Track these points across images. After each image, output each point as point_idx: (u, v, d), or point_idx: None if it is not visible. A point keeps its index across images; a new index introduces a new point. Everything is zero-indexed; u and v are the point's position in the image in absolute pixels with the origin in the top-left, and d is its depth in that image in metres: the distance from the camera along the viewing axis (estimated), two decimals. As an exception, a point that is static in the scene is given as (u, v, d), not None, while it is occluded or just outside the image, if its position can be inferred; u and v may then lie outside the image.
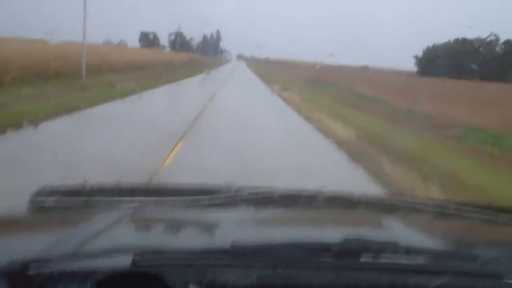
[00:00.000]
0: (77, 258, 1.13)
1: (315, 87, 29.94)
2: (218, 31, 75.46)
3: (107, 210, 1.57)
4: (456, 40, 50.36)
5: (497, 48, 45.23)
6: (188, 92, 23.73)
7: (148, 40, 61.45)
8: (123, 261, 1.08)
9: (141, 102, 16.45)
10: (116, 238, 1.36)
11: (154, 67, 33.72)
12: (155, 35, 61.81)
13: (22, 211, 1.67)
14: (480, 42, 47.87)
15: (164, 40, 62.18)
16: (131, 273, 1.04)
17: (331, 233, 1.58)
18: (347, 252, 1.17)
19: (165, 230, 1.61)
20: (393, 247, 1.19)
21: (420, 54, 50.57)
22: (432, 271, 1.18)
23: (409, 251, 1.20)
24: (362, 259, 1.17)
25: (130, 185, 1.81)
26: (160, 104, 17.85)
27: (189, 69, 36.92)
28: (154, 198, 1.72)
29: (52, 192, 1.68)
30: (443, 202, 1.86)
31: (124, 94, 17.07)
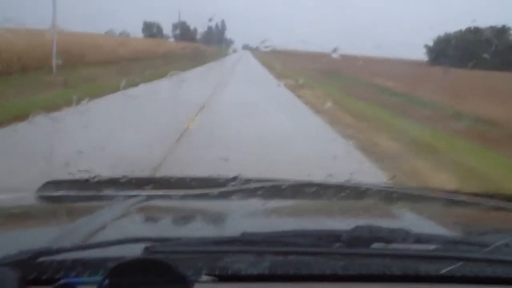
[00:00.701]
0: (88, 247, 1.14)
1: (331, 80, 25.73)
2: (223, 21, 72.47)
3: (115, 202, 1.59)
4: (468, 29, 47.98)
5: (511, 38, 43.97)
6: (180, 93, 15.38)
7: (151, 30, 58.29)
8: (135, 250, 1.09)
9: (105, 111, 11.01)
10: (126, 228, 1.38)
11: (152, 59, 30.00)
12: (158, 25, 58.81)
13: (31, 202, 1.70)
14: (492, 31, 46.04)
15: (168, 30, 60.73)
16: (143, 261, 1.04)
17: (341, 221, 1.62)
18: (358, 239, 1.19)
19: (175, 220, 1.64)
20: (403, 235, 1.21)
21: (430, 43, 48.36)
22: (442, 257, 1.21)
23: (419, 238, 1.22)
24: (373, 247, 1.19)
25: (138, 177, 1.82)
26: (126, 121, 10.31)
27: (190, 60, 32.20)
28: (162, 190, 1.73)
29: (60, 184, 1.72)
30: (452, 191, 1.89)
31: (93, 94, 11.43)
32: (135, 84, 11.50)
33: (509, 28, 44.47)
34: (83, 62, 19.74)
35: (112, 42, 31.50)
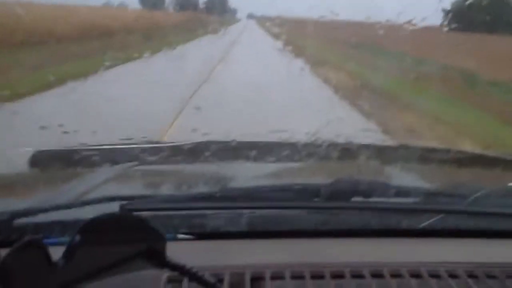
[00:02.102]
0: (64, 208, 1.17)
1: (375, 59, 14.69)
2: (224, -12, 68.00)
3: (103, 167, 1.64)
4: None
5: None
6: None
7: (150, 1, 53.85)
8: (111, 208, 1.12)
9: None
10: (108, 190, 1.42)
11: (128, 34, 21.59)
12: (153, -5, 54.68)
13: (20, 171, 1.75)
14: None
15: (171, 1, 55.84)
16: (117, 217, 1.00)
17: (323, 177, 1.69)
18: (338, 193, 1.22)
19: (156, 182, 1.70)
20: (383, 188, 1.24)
21: (448, 7, 44.28)
22: (422, 210, 1.24)
23: (399, 191, 1.26)
24: (353, 200, 1.22)
25: (128, 146, 1.86)
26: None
27: (179, 34, 23.66)
28: (152, 157, 1.75)
29: (51, 153, 1.77)
30: (431, 147, 1.95)
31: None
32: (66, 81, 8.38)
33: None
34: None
35: (73, 14, 24.38)
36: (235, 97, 8.83)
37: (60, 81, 8.31)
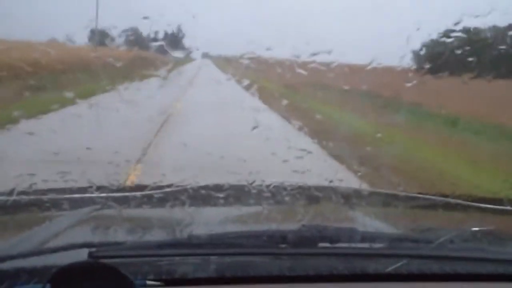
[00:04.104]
0: (33, 254, 1.20)
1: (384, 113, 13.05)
2: (179, 27, 64.75)
3: (68, 210, 1.67)
4: (467, 30, 41.21)
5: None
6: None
7: (99, 37, 49.45)
8: (80, 256, 1.15)
9: None
10: (75, 236, 1.45)
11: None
12: (103, 32, 50.76)
13: None
14: (496, 31, 39.71)
15: (122, 38, 52.45)
16: (86, 265, 1.07)
17: (288, 222, 1.71)
18: (305, 239, 1.26)
19: (123, 227, 1.72)
20: (349, 234, 1.28)
21: (417, 48, 42.43)
22: (388, 255, 1.28)
23: (365, 237, 1.30)
24: (320, 246, 1.26)
25: (95, 194, 1.86)
26: None
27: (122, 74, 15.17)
28: (115, 194, 1.81)
29: (16, 193, 1.77)
30: (397, 192, 2.00)
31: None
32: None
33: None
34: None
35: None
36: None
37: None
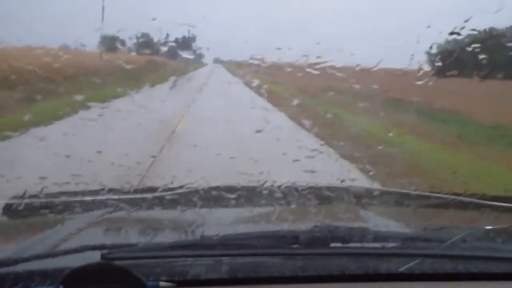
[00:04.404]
0: (46, 257, 1.21)
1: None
2: (189, 31, 64.35)
3: (80, 213, 1.70)
4: (484, 31, 40.83)
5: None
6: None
7: (110, 43, 49.71)
8: (92, 258, 1.16)
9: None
10: (87, 238, 1.47)
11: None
12: (113, 37, 50.78)
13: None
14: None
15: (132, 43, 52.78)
16: (99, 267, 1.08)
17: (301, 223, 1.72)
18: (317, 239, 1.26)
19: (135, 229, 1.74)
20: (361, 233, 1.29)
21: (432, 50, 41.64)
22: (400, 255, 1.28)
23: (377, 236, 1.30)
24: (332, 246, 1.27)
25: (108, 196, 1.88)
26: None
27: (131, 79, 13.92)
28: (126, 196, 1.82)
29: (28, 196, 1.80)
30: (410, 191, 1.99)
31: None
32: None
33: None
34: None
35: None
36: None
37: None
